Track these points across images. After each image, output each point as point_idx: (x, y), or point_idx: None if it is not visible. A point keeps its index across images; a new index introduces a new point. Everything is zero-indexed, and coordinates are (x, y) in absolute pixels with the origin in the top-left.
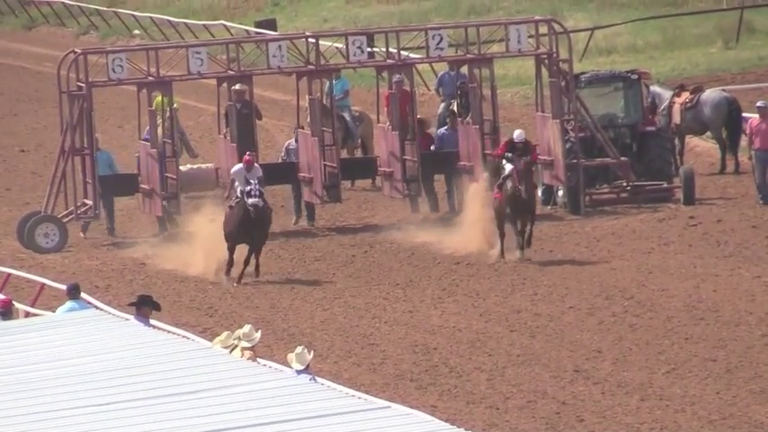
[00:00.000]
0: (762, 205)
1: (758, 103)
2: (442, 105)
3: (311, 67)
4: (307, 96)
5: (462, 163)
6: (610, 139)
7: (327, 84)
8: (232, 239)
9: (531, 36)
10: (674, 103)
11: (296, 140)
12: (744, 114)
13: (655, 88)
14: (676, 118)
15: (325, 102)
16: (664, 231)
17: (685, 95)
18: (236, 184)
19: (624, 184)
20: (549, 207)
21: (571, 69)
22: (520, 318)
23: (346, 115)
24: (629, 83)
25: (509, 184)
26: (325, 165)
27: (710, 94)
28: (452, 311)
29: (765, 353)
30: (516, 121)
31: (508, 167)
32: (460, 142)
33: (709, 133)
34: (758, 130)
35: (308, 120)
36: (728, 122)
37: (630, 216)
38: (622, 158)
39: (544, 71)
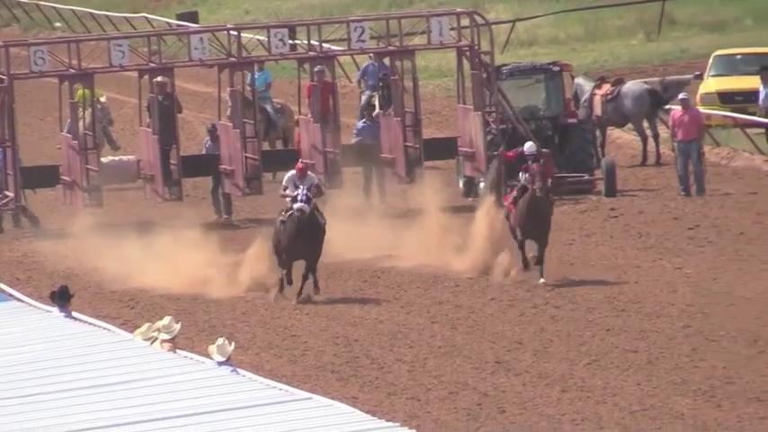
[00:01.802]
0: (683, 197)
1: (680, 96)
2: (365, 97)
3: (233, 59)
4: (228, 88)
5: (384, 155)
6: (531, 131)
7: (249, 76)
8: (287, 255)
9: (452, 28)
10: (595, 95)
11: (210, 139)
12: (665, 106)
13: (578, 80)
14: (597, 110)
15: (246, 94)
16: (585, 223)
17: (606, 87)
18: (288, 192)
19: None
20: (470, 198)
21: (492, 61)
22: (441, 309)
23: (268, 107)
24: (551, 75)
25: (522, 198)
26: (246, 157)
27: (631, 87)
28: (373, 303)
29: (686, 344)
30: (438, 113)
31: (522, 178)
32: (382, 134)
33: (629, 125)
34: (680, 122)
35: (229, 112)
36: (649, 114)
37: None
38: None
39: (466, 63)
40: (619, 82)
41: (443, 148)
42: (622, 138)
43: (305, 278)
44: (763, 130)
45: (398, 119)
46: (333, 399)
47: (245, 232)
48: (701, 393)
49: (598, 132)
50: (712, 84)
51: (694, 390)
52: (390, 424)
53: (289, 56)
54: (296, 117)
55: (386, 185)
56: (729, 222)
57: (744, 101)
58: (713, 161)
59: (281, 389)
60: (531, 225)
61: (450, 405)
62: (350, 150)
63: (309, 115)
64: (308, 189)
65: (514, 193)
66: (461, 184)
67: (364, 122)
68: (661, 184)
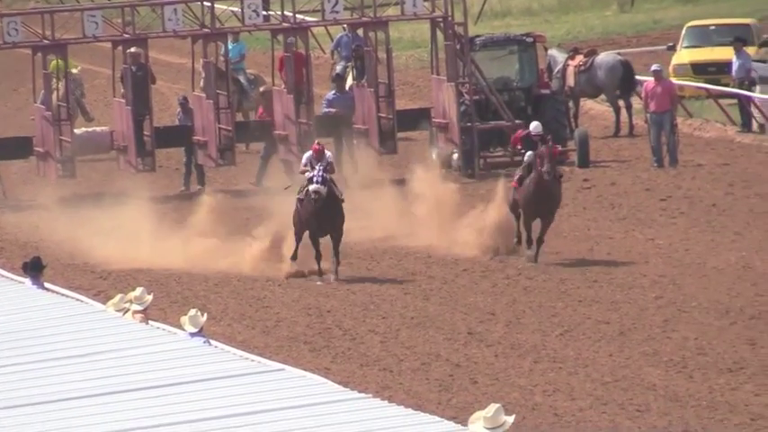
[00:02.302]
0: (656, 168)
1: (653, 67)
2: (339, 67)
3: (206, 30)
4: (201, 60)
5: (357, 126)
6: (504, 102)
7: (223, 47)
8: (309, 230)
9: None
10: (568, 66)
11: (182, 111)
12: (638, 77)
13: (552, 51)
14: (570, 81)
15: (220, 65)
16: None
17: (579, 58)
18: (307, 173)
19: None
20: (443, 170)
21: (466, 32)
22: (414, 280)
23: (242, 78)
24: (524, 46)
25: (529, 178)
26: (219, 128)
27: (605, 58)
28: (346, 273)
29: (658, 315)
30: (411, 84)
31: (528, 156)
32: (356, 105)
33: (602, 96)
34: (653, 93)
35: (203, 83)
36: (623, 85)
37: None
38: (517, 121)
39: (439, 34)
40: (592, 53)
41: (417, 120)
42: (595, 109)
43: (337, 256)
44: (735, 101)
45: (372, 90)
46: (305, 370)
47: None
48: (672, 364)
49: (571, 103)
50: (685, 55)
51: (666, 361)
52: (362, 395)
53: (262, 27)
54: (261, 88)
55: (357, 156)
56: (702, 194)
57: (716, 72)
58: (686, 132)
59: (253, 360)
60: (538, 207)
61: (422, 376)
62: (320, 121)
63: (283, 86)
64: (324, 168)
65: (520, 172)
66: (434, 156)
67: (334, 94)
68: (634, 155)
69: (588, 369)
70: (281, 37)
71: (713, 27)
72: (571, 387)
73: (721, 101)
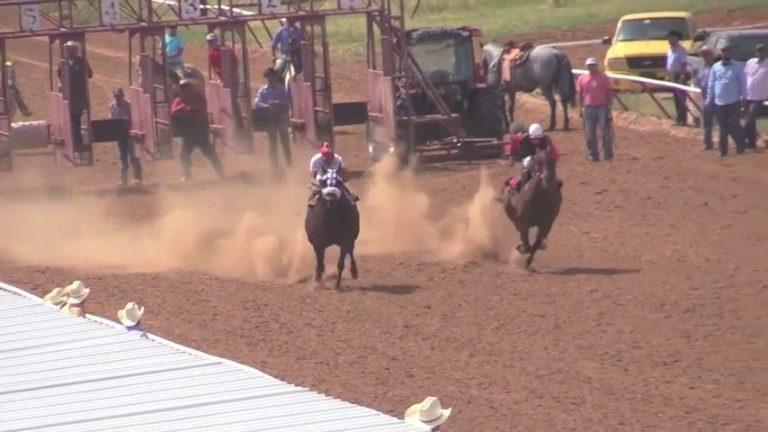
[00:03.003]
0: (591, 161)
1: (588, 61)
2: (280, 61)
3: (144, 24)
4: (139, 54)
5: (294, 120)
6: (441, 96)
7: (160, 41)
8: (317, 240)
9: None
10: (503, 59)
11: (117, 104)
12: (574, 71)
13: (488, 46)
14: (506, 75)
15: (157, 59)
16: (494, 187)
17: (515, 52)
18: (317, 176)
19: (455, 140)
20: (378, 164)
21: (402, 26)
22: (350, 274)
23: (179, 72)
24: (460, 40)
25: (527, 184)
26: (157, 122)
27: (540, 51)
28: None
29: (593, 308)
30: (348, 77)
31: (527, 161)
32: (293, 99)
33: (538, 90)
34: (588, 87)
35: (140, 77)
36: (558, 79)
37: (461, 172)
38: (453, 115)
39: (376, 28)
40: (527, 47)
41: (353, 113)
42: (531, 102)
43: (340, 266)
44: (671, 95)
45: (308, 84)
46: (242, 363)
47: (151, 197)
48: (607, 357)
49: (507, 97)
50: (620, 48)
51: (601, 354)
52: (299, 388)
53: (199, 21)
54: (181, 81)
55: (291, 149)
56: (637, 187)
57: (652, 65)
58: (621, 126)
59: (190, 353)
60: (536, 214)
61: (358, 369)
62: (256, 115)
63: (219, 80)
64: (337, 172)
65: (518, 177)
66: (371, 149)
67: (267, 88)
68: (569, 148)
69: (524, 362)
70: (217, 31)
71: (648, 21)
72: (506, 380)
73: (657, 94)
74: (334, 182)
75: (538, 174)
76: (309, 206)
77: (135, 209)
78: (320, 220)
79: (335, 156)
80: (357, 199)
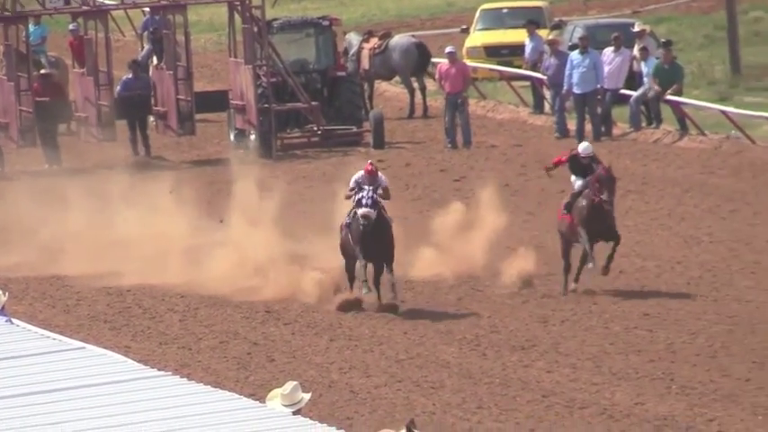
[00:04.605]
0: (450, 149)
1: (447, 49)
2: (146, 49)
3: (7, 13)
4: (3, 43)
5: (157, 108)
6: (301, 85)
7: (24, 30)
8: (352, 258)
9: None
10: (362, 48)
11: None
12: (433, 59)
13: (349, 35)
14: (365, 63)
15: (21, 48)
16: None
17: (374, 41)
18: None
19: (315, 128)
20: (241, 151)
21: (263, 15)
22: (211, 260)
23: (43, 60)
24: (321, 29)
25: (582, 201)
26: (21, 110)
27: (399, 40)
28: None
29: (452, 294)
30: (209, 66)
31: (578, 184)
32: (156, 87)
33: (397, 78)
34: (447, 75)
35: (4, 66)
36: (417, 67)
37: (321, 160)
38: (313, 103)
39: (237, 17)
40: (386, 36)
41: (215, 101)
42: (390, 91)
43: (377, 284)
44: (528, 83)
45: (171, 72)
46: (106, 348)
47: (14, 184)
48: (466, 342)
49: (366, 85)
50: (478, 37)
51: (460, 339)
52: (162, 373)
53: (63, 10)
54: (42, 71)
55: (149, 138)
56: (495, 174)
57: (509, 54)
58: (479, 114)
59: (54, 338)
60: (595, 223)
61: (220, 354)
62: (118, 104)
63: (83, 69)
64: (375, 191)
65: (568, 198)
66: (232, 137)
67: (129, 77)
68: (428, 136)
69: (383, 347)
70: (81, 20)
71: (506, 10)
72: (366, 365)
73: (514, 83)
74: (369, 201)
75: (598, 195)
76: (345, 224)
77: None
78: (356, 241)
79: (379, 174)
80: (392, 220)
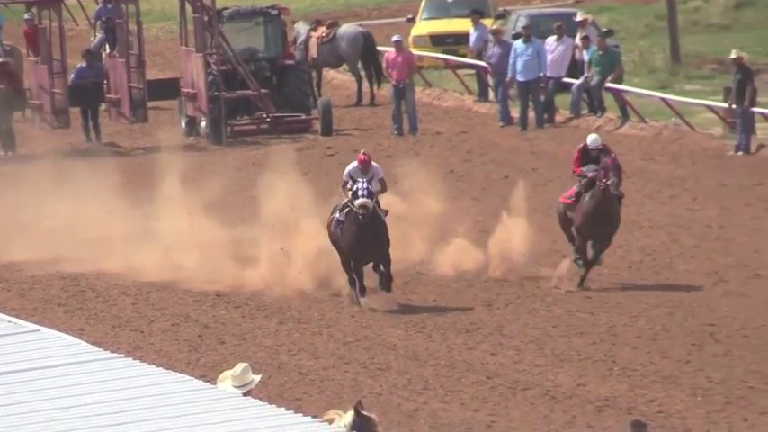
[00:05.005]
0: (396, 136)
1: (394, 38)
2: (99, 38)
3: None
4: None
5: (110, 96)
6: (251, 73)
7: None
8: (354, 260)
9: None
10: (310, 37)
11: None
12: (379, 48)
13: (298, 24)
14: (313, 52)
15: None
16: (302, 160)
17: (322, 30)
18: (349, 187)
19: (264, 115)
20: (191, 138)
21: (214, 5)
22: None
23: None
24: (270, 18)
25: (588, 194)
26: None
27: (347, 29)
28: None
29: (399, 278)
30: (161, 54)
31: (588, 170)
32: (110, 76)
33: (345, 66)
34: (394, 63)
35: None
36: (364, 56)
37: (270, 146)
38: (263, 91)
39: (188, 7)
40: (334, 25)
41: (167, 89)
42: (338, 78)
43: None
44: (473, 72)
45: (123, 60)
46: (60, 331)
47: None
48: (412, 325)
49: (314, 73)
50: (424, 26)
51: (406, 321)
52: (115, 355)
53: (18, 0)
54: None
55: (100, 126)
56: (440, 160)
57: (454, 43)
58: (425, 101)
59: (9, 321)
60: (597, 225)
61: (172, 336)
62: (72, 92)
63: (38, 58)
64: (370, 182)
65: (575, 188)
66: (183, 124)
67: (83, 66)
68: (375, 123)
69: (331, 329)
70: (35, 9)
71: (451, 0)
72: (315, 347)
73: (459, 71)
74: (365, 192)
75: (605, 180)
76: (337, 220)
77: None
78: (352, 237)
79: (373, 164)
80: (387, 213)
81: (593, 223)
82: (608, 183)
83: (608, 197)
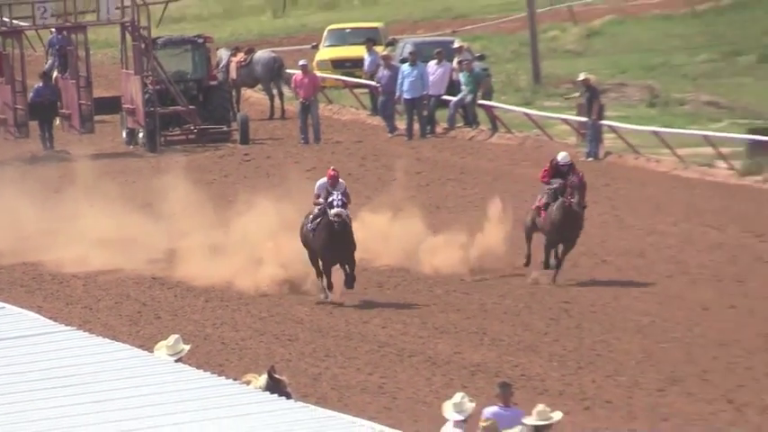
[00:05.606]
0: (303, 144)
1: (300, 62)
2: (50, 62)
3: None
4: None
5: (63, 111)
6: (181, 91)
7: None
8: (324, 262)
9: (117, 8)
10: (231, 61)
11: None
12: (288, 71)
13: (221, 50)
14: (233, 74)
15: None
16: (224, 165)
17: (240, 55)
18: (320, 200)
19: (192, 127)
20: (131, 146)
21: (149, 34)
22: (105, 234)
23: None
24: (196, 45)
25: (554, 206)
26: None
27: (261, 54)
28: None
29: (308, 265)
30: (105, 76)
31: (555, 183)
32: (63, 94)
33: (260, 86)
34: (301, 84)
35: None
36: (275, 77)
37: (197, 153)
38: (191, 107)
39: (128, 36)
40: (250, 51)
41: (110, 105)
42: (254, 96)
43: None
44: (366, 91)
45: (74, 81)
46: (22, 308)
47: None
48: (316, 303)
49: (234, 92)
50: (326, 52)
51: (311, 300)
52: (69, 328)
53: None
54: None
55: (54, 136)
56: (339, 165)
57: (352, 66)
58: (327, 115)
59: None
60: (562, 233)
61: (116, 313)
62: (31, 108)
63: (0, 79)
64: (342, 195)
65: (544, 197)
66: (124, 134)
67: (40, 86)
68: (285, 134)
69: (249, 306)
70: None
71: (349, 30)
72: (235, 321)
73: (355, 90)
74: (340, 203)
75: (569, 198)
76: (311, 229)
77: None
78: (326, 241)
79: (340, 180)
80: (351, 220)
81: (559, 230)
82: (572, 200)
83: (572, 211)
